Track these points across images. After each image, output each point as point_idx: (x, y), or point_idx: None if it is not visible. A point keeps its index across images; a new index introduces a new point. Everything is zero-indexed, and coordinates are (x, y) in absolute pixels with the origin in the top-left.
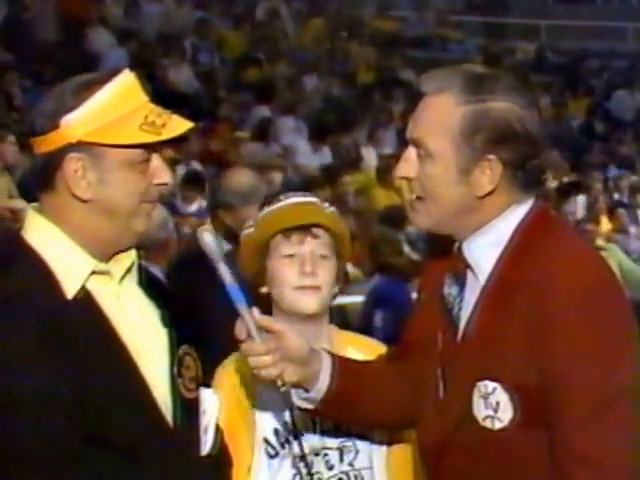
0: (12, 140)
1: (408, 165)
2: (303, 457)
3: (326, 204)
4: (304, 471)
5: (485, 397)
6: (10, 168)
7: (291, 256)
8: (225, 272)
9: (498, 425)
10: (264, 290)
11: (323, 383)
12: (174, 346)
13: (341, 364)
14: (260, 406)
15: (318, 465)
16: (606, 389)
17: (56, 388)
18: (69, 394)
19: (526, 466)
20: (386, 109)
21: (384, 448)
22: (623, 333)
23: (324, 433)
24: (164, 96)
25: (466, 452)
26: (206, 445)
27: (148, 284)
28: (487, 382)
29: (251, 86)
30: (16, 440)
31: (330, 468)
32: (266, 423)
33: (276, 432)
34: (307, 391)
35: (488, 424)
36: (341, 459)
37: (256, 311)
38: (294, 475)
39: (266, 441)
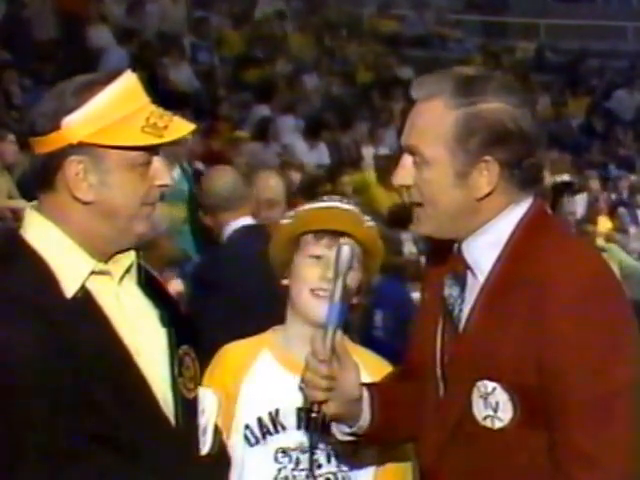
0: (12, 139)
1: (405, 173)
2: (312, 471)
3: (367, 217)
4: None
5: (485, 397)
6: (10, 167)
7: (317, 257)
8: (339, 290)
9: (498, 425)
10: (285, 282)
11: (365, 421)
12: (174, 346)
13: (379, 398)
14: (247, 394)
15: (306, 462)
16: (606, 388)
17: (56, 387)
18: (69, 393)
19: (526, 465)
20: (386, 108)
21: (371, 454)
22: (623, 331)
23: (315, 432)
24: (164, 96)
25: (465, 451)
26: (205, 445)
27: (147, 284)
28: (486, 382)
29: (251, 85)
30: (17, 439)
31: (319, 466)
32: (250, 410)
33: (259, 421)
34: (349, 426)
35: (488, 424)
36: (329, 460)
37: (340, 334)
38: (278, 470)
39: (247, 427)
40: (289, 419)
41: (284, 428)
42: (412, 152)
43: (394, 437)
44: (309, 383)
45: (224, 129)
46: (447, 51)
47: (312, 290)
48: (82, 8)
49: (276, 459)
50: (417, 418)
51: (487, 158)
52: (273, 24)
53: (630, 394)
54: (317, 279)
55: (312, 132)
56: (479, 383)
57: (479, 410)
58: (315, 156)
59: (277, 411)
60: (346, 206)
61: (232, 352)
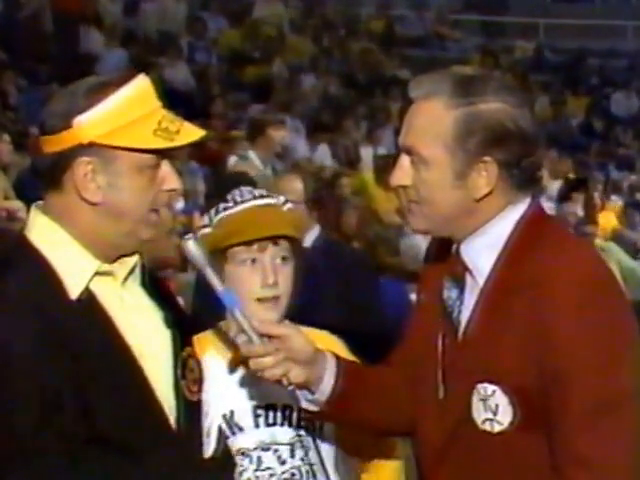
0: (7, 139)
1: (402, 173)
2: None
3: (282, 199)
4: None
5: (484, 400)
6: (5, 168)
7: (252, 261)
8: (214, 278)
9: (497, 428)
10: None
11: (327, 385)
12: (178, 348)
13: (346, 366)
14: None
15: (269, 460)
16: (606, 390)
17: (58, 389)
18: (71, 395)
19: (525, 469)
20: (384, 108)
21: (334, 443)
22: (623, 333)
23: (274, 428)
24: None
25: (465, 455)
26: (209, 447)
27: (151, 285)
28: (486, 385)
29: (248, 85)
30: (18, 440)
31: (282, 463)
32: (218, 409)
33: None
34: (312, 393)
35: (487, 427)
36: (292, 454)
37: (245, 314)
38: (240, 473)
39: (221, 428)
40: (245, 419)
41: (241, 429)
42: (410, 152)
43: (358, 418)
44: (259, 368)
45: (220, 128)
46: (446, 51)
47: (258, 299)
48: (79, 8)
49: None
50: (395, 407)
51: (486, 159)
52: (270, 24)
53: (630, 397)
54: (259, 288)
55: (312, 132)
56: (479, 386)
57: (479, 413)
58: (317, 157)
59: (232, 413)
60: (262, 201)
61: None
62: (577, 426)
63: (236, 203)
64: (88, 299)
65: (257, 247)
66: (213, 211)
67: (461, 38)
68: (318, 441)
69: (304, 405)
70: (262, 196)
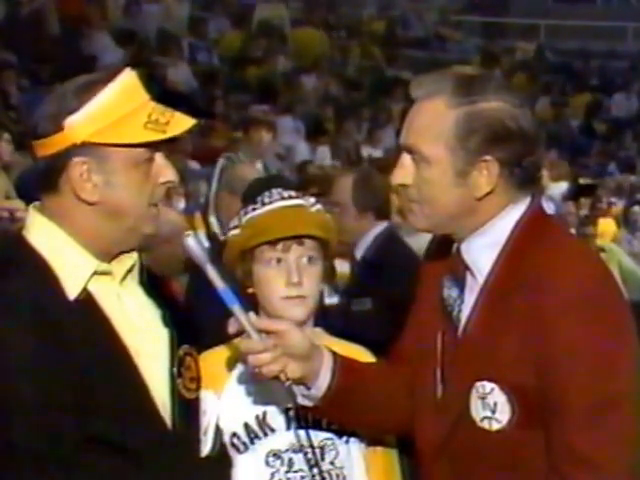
0: (8, 139)
1: (404, 172)
2: (313, 450)
3: (311, 201)
4: (310, 461)
5: (483, 398)
6: (6, 167)
7: (277, 261)
8: (214, 276)
9: (496, 426)
10: (251, 291)
11: (324, 380)
12: (175, 346)
13: (343, 362)
14: (230, 402)
15: (300, 462)
16: (604, 390)
17: (56, 389)
18: (69, 395)
19: (523, 467)
20: (385, 109)
21: (364, 448)
22: (621, 333)
23: (305, 430)
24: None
25: (463, 453)
26: (206, 446)
27: (149, 284)
28: (485, 383)
29: (250, 86)
30: (16, 441)
31: (312, 466)
32: (235, 418)
33: (246, 426)
34: (309, 388)
35: (486, 425)
36: (322, 457)
37: (252, 313)
38: (272, 474)
39: (234, 435)
40: (277, 420)
41: (273, 430)
42: (411, 151)
43: (357, 414)
44: (257, 364)
45: (222, 129)
46: (447, 52)
47: (281, 298)
48: (81, 9)
49: (267, 463)
50: (392, 404)
51: (487, 158)
52: (272, 25)
53: (627, 396)
54: (284, 287)
55: (315, 135)
56: (478, 384)
57: (477, 411)
58: (317, 157)
59: (264, 414)
60: (290, 202)
61: (210, 360)
62: (575, 425)
63: (264, 204)
64: (86, 299)
65: (281, 247)
66: (242, 212)
67: (462, 39)
68: (348, 445)
69: (300, 401)
70: (290, 197)
